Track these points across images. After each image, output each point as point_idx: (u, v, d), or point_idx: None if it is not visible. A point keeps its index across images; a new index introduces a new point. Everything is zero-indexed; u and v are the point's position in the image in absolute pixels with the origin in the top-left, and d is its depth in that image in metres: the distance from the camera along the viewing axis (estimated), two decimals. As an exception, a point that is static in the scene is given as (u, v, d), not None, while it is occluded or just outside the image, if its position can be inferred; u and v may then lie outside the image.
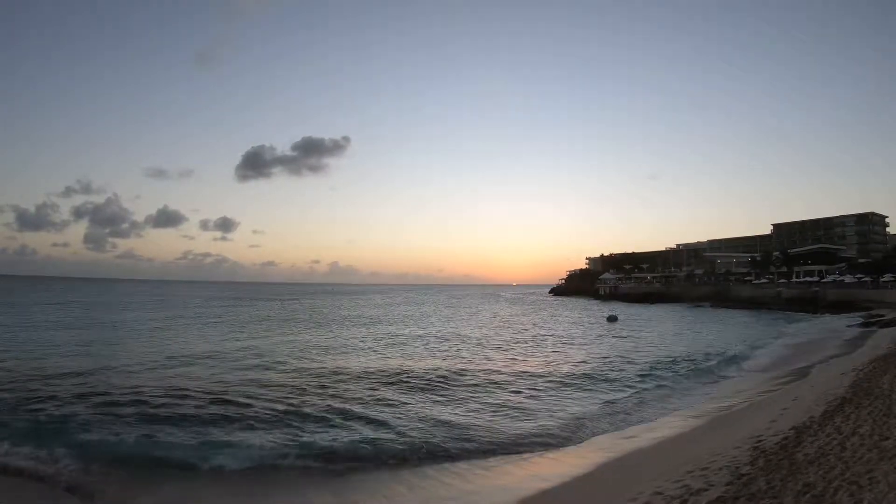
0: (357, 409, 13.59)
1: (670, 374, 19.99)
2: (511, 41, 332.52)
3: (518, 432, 11.82)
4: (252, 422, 12.07)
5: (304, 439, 10.92)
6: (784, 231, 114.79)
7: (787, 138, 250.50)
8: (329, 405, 13.97)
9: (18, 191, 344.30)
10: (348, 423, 12.31)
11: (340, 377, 18.32)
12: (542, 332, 37.14)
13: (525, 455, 10.45)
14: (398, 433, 11.50)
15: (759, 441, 9.48)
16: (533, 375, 19.10)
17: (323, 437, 11.10)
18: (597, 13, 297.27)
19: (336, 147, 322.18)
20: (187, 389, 15.34)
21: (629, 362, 22.29)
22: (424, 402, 14.53)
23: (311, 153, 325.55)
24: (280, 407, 13.53)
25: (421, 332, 36.84)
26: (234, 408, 13.25)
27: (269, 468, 9.41)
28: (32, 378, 16.59)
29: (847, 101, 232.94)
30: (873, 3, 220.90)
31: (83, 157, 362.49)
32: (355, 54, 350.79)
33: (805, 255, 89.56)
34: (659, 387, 17.49)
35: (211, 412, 12.83)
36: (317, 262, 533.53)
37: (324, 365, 21.00)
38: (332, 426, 12.04)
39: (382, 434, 11.43)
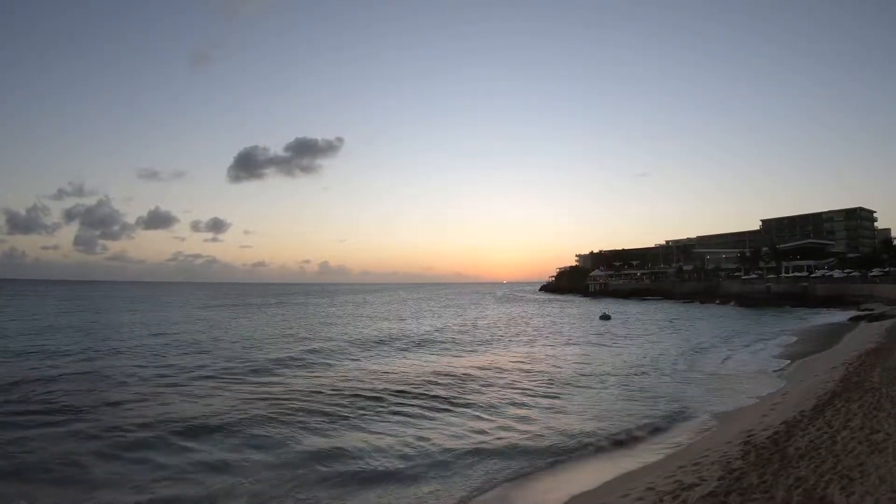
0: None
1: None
2: (502, 41, 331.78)
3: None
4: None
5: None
6: (773, 226, 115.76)
7: (776, 134, 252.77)
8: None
9: (9, 194, 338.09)
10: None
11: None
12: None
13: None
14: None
15: (751, 436, 9.46)
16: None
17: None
18: (586, 12, 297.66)
19: (329, 148, 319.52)
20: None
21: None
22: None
23: (304, 154, 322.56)
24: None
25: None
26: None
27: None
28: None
29: (835, 97, 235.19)
30: (862, 0, 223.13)
31: (76, 158, 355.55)
32: (349, 55, 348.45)
33: (794, 251, 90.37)
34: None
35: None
36: (307, 261, 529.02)
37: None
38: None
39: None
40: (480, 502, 8.23)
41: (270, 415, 12.60)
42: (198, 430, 11.31)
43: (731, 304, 69.00)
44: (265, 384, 16.69)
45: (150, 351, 23.68)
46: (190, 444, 10.45)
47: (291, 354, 23.30)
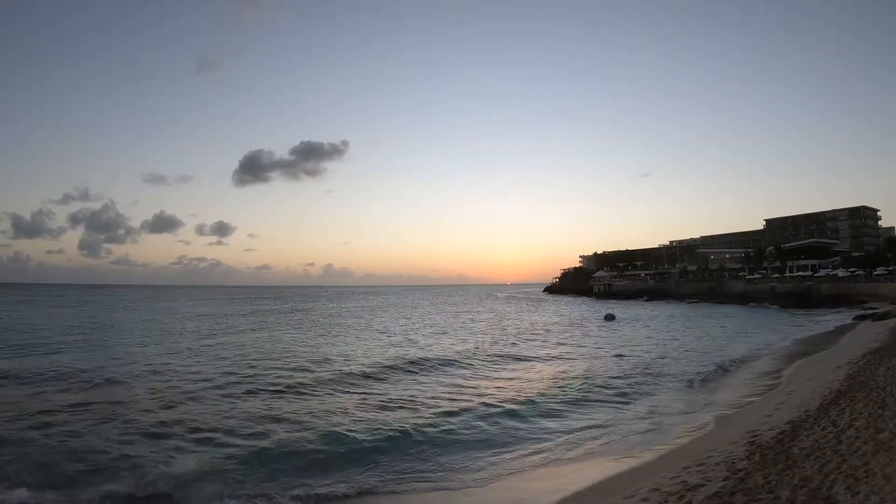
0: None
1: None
2: (506, 42, 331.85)
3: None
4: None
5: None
6: (777, 226, 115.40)
7: (778, 134, 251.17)
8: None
9: (14, 198, 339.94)
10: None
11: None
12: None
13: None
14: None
15: (756, 436, 9.48)
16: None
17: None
18: (587, 12, 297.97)
19: (335, 151, 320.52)
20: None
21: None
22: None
23: (309, 157, 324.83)
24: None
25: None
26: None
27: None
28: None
29: (838, 95, 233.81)
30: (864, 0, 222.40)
31: (81, 163, 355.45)
32: (353, 58, 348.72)
33: (798, 250, 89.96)
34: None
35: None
36: (311, 264, 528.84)
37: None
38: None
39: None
40: (487, 491, 8.52)
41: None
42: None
43: (736, 304, 68.80)
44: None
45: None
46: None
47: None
